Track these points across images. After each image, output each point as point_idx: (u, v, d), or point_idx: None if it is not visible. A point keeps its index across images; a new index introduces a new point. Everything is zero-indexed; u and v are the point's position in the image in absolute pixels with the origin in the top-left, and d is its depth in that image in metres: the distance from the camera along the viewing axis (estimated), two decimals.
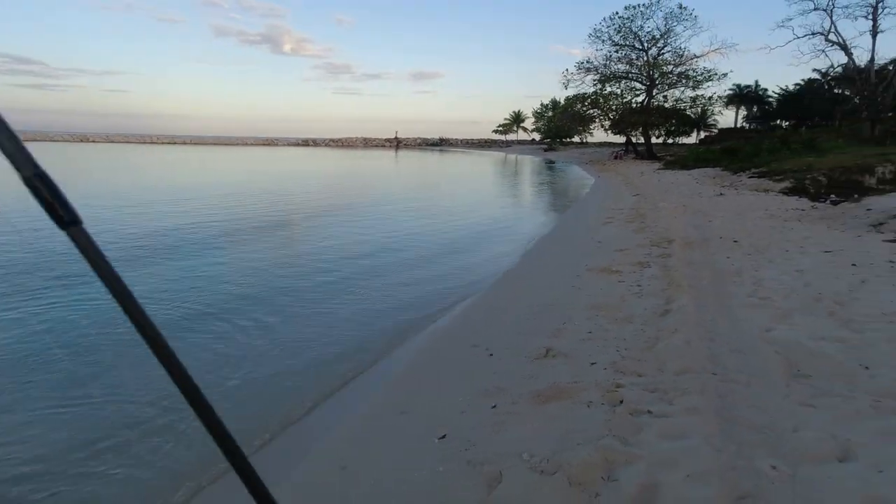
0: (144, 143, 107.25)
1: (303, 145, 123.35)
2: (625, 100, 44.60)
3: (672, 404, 3.49)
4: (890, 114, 38.25)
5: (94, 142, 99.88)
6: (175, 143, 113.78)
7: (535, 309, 6.07)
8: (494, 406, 3.86)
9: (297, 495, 3.11)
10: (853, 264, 6.62)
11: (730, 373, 3.90)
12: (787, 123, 60.95)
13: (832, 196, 13.41)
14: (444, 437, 3.51)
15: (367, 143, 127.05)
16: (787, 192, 14.14)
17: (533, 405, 3.79)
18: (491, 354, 4.87)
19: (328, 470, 3.29)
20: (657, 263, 7.60)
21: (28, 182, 0.50)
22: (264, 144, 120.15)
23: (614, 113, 45.16)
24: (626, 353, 4.47)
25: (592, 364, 4.33)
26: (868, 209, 9.58)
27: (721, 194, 14.61)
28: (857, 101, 50.08)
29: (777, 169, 16.89)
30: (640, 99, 43.97)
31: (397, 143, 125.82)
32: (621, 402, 3.61)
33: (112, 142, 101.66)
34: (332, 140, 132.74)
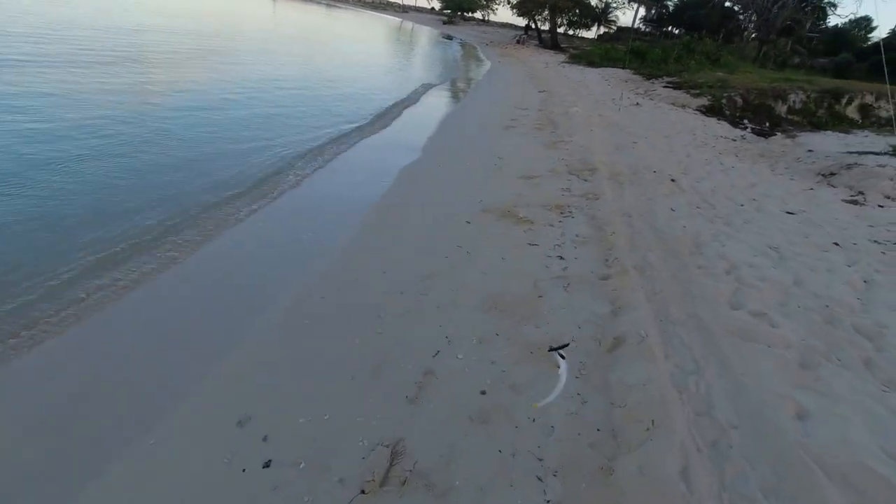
0: None
1: None
2: None
3: None
4: (773, 37, 38.96)
5: None
6: None
7: (390, 303, 3.35)
8: None
9: None
10: (835, 243, 4.82)
11: None
12: (678, 31, 61.07)
13: (747, 122, 12.11)
14: None
15: None
16: (705, 110, 12.52)
17: None
18: (268, 464, 2.14)
19: None
20: (582, 211, 5.20)
21: None
22: None
23: None
24: (555, 487, 2.03)
25: None
26: (809, 150, 8.06)
27: (638, 104, 12.54)
28: (742, 17, 51.13)
29: (691, 81, 15.22)
30: None
31: None
32: None
33: None
34: None
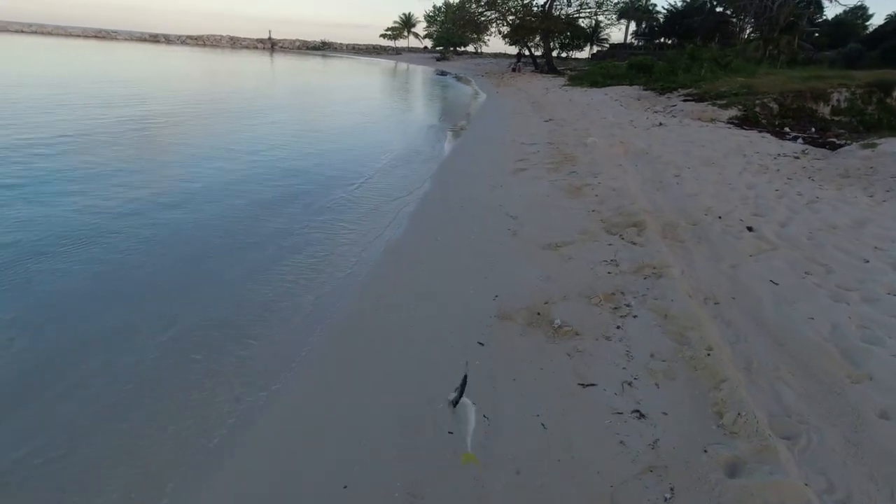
0: None
1: (151, 41, 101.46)
2: (525, 1, 39.35)
3: None
4: (777, 35, 37.55)
5: None
6: None
7: None
8: None
9: None
10: None
11: None
12: (670, 42, 59.97)
13: (790, 130, 10.46)
14: None
15: (236, 44, 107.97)
16: (738, 122, 10.92)
17: None
18: None
19: None
20: (644, 302, 3.55)
21: None
22: (96, 37, 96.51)
23: (513, 17, 39.90)
24: None
25: None
26: None
27: (661, 124, 11.00)
28: (736, 20, 49.87)
29: (713, 91, 13.69)
30: (540, 1, 39.02)
31: (272, 45, 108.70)
32: None
33: None
34: (191, 37, 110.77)
